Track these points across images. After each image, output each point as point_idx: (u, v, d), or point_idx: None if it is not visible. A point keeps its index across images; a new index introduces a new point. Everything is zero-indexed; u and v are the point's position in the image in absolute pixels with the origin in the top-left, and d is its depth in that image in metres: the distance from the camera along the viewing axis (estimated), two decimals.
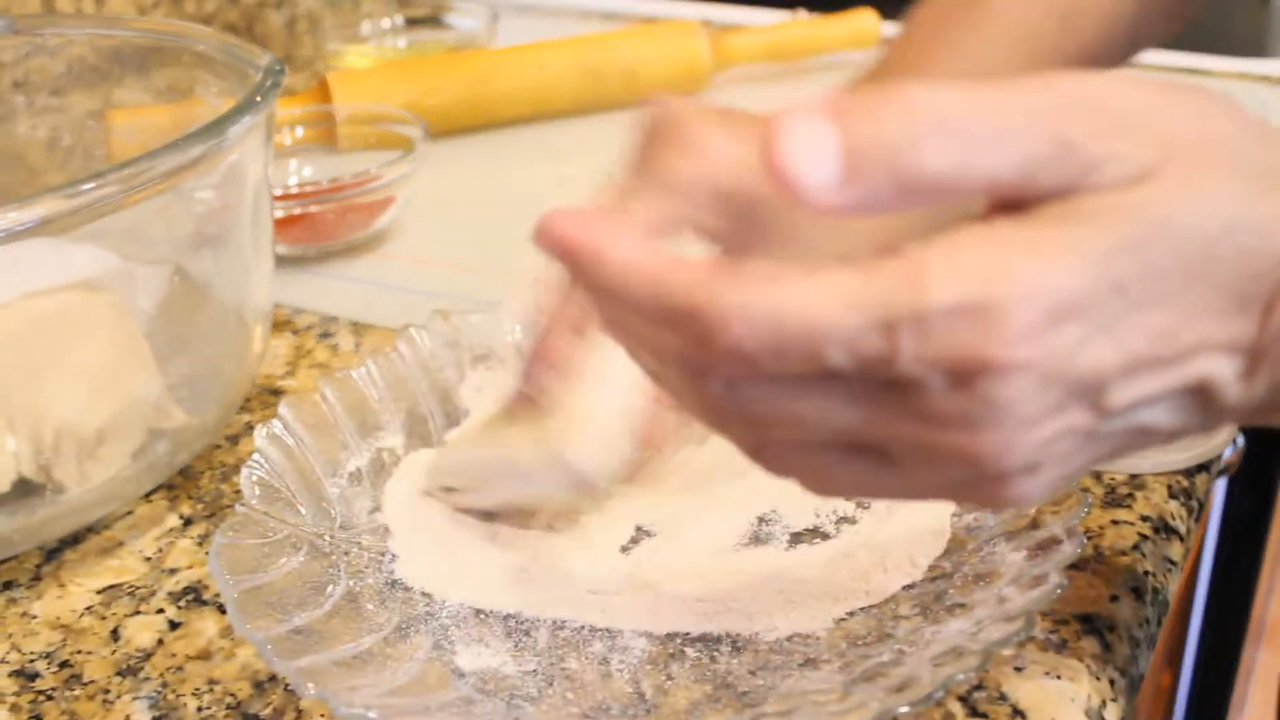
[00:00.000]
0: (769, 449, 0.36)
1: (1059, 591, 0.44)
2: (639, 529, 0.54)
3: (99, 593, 0.54)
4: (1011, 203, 0.32)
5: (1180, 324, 0.33)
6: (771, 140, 0.31)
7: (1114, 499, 0.55)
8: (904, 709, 0.41)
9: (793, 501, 0.54)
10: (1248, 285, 0.33)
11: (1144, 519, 0.54)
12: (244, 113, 0.53)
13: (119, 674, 0.49)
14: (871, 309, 0.31)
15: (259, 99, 0.55)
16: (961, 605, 0.47)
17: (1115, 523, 0.54)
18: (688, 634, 0.48)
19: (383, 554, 0.53)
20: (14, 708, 0.48)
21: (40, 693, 0.49)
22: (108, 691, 0.49)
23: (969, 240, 0.31)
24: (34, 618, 0.53)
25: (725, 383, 0.33)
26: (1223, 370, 0.34)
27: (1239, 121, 0.35)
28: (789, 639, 0.48)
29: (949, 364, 0.31)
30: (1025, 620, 0.43)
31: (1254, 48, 1.11)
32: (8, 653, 0.51)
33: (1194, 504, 0.57)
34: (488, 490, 0.53)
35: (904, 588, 0.49)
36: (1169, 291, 0.32)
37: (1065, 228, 0.31)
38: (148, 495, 0.59)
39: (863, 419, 0.33)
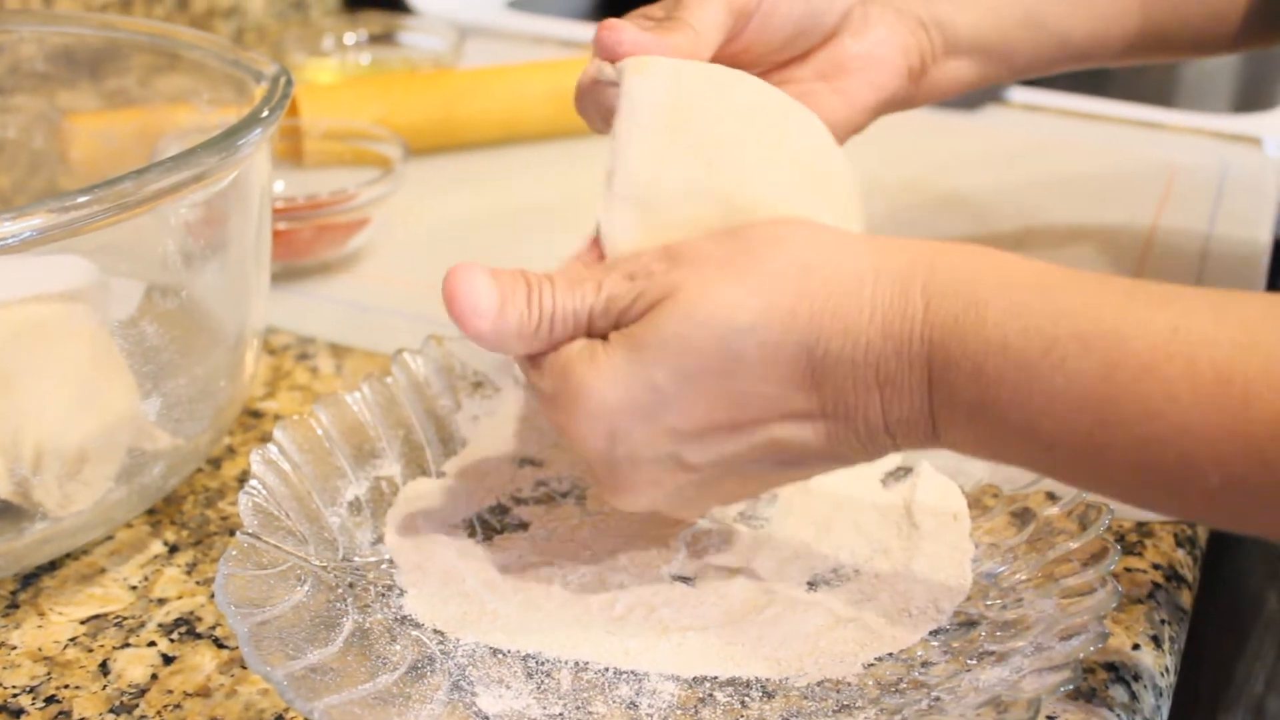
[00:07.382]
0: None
1: (1102, 641, 0.43)
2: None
3: (83, 623, 0.51)
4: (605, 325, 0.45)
5: (734, 406, 0.43)
6: (447, 281, 0.44)
7: (1125, 547, 0.55)
8: None
9: (810, 547, 0.53)
10: (790, 369, 0.42)
11: (1155, 567, 0.54)
12: (254, 125, 0.51)
13: (112, 711, 0.46)
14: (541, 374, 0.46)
15: (268, 111, 0.53)
16: (993, 653, 0.46)
17: (1129, 570, 0.54)
18: (715, 678, 0.47)
19: (389, 588, 0.50)
20: None
21: None
22: None
23: (577, 349, 0.44)
24: (14, 649, 0.49)
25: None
26: (796, 433, 0.44)
27: (777, 246, 0.44)
28: (819, 684, 0.46)
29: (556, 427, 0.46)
30: (1072, 669, 0.42)
31: (1160, 97, 1.13)
32: None
33: (1198, 552, 0.57)
34: None
35: (931, 633, 0.49)
36: (707, 385, 0.43)
37: (613, 349, 0.43)
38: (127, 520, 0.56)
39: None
